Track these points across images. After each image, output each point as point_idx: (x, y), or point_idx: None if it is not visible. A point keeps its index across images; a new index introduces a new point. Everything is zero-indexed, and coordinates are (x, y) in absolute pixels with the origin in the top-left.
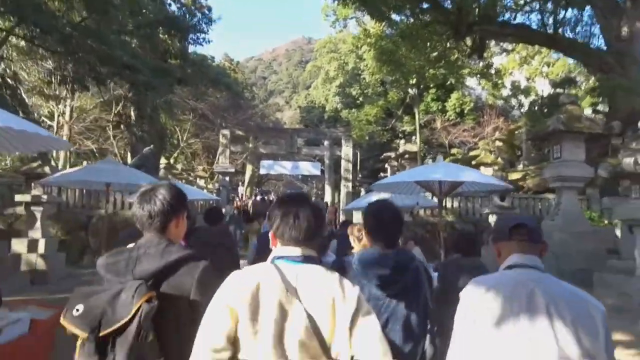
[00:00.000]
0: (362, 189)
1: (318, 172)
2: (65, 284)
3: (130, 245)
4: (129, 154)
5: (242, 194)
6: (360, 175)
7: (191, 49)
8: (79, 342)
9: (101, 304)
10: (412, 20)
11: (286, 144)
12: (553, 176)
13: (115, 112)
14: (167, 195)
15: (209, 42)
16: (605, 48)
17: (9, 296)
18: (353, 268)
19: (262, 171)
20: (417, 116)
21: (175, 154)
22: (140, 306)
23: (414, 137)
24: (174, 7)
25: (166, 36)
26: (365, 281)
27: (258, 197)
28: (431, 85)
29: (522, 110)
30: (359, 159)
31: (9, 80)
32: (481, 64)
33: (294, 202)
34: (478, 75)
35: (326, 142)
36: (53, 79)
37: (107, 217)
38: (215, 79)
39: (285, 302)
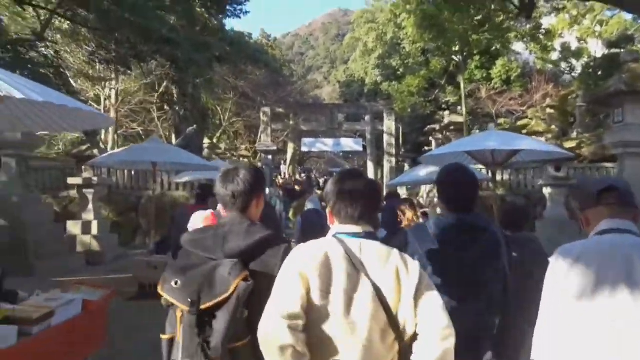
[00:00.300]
0: (406, 164)
1: (360, 148)
2: (119, 264)
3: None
4: (173, 135)
5: (284, 173)
6: (403, 150)
7: (229, 26)
8: (178, 314)
9: (199, 278)
10: None
11: (327, 120)
12: (614, 142)
13: (159, 93)
14: (248, 176)
15: (246, 13)
16: None
17: (66, 276)
18: (427, 232)
19: (304, 149)
20: (462, 85)
21: (218, 134)
22: (237, 284)
23: (459, 108)
24: None
25: (203, 10)
26: (442, 247)
27: (303, 175)
28: (475, 52)
29: (573, 74)
30: (401, 133)
31: (54, 60)
32: (529, 26)
33: (349, 179)
34: (525, 39)
35: (367, 117)
36: (97, 61)
37: (155, 198)
38: (254, 56)
39: (352, 273)
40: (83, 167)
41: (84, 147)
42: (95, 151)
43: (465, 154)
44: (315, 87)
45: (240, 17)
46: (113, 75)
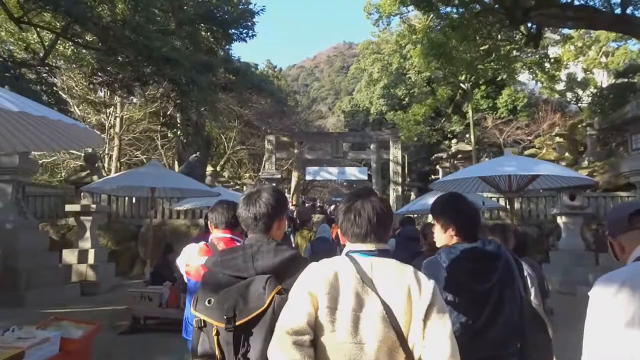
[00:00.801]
0: (412, 193)
1: (365, 177)
2: (114, 295)
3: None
4: (175, 163)
5: (289, 202)
6: (408, 179)
7: (235, 54)
8: (214, 332)
9: (233, 295)
10: (462, 10)
11: (331, 149)
12: (632, 170)
13: (163, 121)
14: (271, 198)
15: (253, 36)
16: None
17: (58, 307)
18: (441, 265)
19: (308, 177)
20: (470, 112)
21: (222, 162)
22: (273, 297)
23: (467, 136)
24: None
25: (209, 34)
26: (457, 278)
27: (307, 204)
28: (481, 82)
29: (579, 104)
30: (406, 162)
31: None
32: (536, 56)
33: (356, 197)
34: (531, 69)
35: (372, 146)
36: (97, 84)
37: (154, 226)
38: (259, 85)
39: (361, 291)
40: (82, 194)
41: (83, 174)
42: (95, 177)
43: (479, 180)
44: (319, 118)
45: (246, 41)
46: (117, 99)
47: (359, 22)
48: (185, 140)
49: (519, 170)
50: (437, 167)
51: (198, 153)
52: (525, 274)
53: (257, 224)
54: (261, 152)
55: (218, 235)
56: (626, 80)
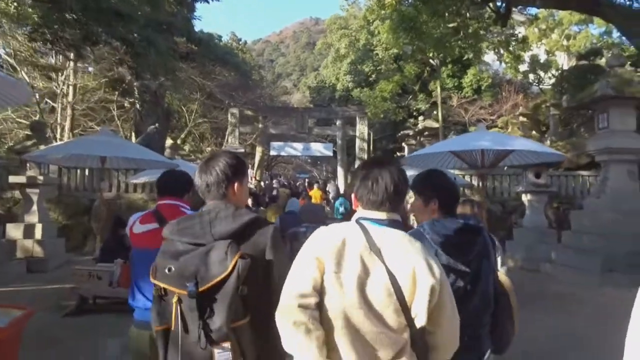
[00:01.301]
0: None
1: (330, 153)
2: (64, 272)
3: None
4: (133, 134)
5: (251, 177)
6: (373, 157)
7: (198, 26)
8: (175, 300)
9: (193, 262)
10: None
11: (296, 124)
12: (599, 148)
13: (119, 90)
14: (226, 163)
15: None
16: None
17: (1, 286)
18: (425, 237)
19: (272, 152)
20: (438, 89)
21: (183, 135)
22: (236, 262)
23: (434, 112)
24: None
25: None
26: (441, 250)
27: (274, 182)
28: (448, 61)
29: (541, 86)
30: (371, 140)
31: None
32: (502, 36)
33: (375, 165)
34: (496, 50)
35: (338, 122)
36: (42, 45)
37: (108, 200)
38: (223, 57)
39: (368, 259)
40: (27, 164)
41: (29, 143)
42: (43, 147)
43: (450, 155)
44: (284, 94)
45: (208, 2)
46: (69, 66)
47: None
48: (143, 111)
49: (495, 145)
50: (403, 144)
51: (157, 124)
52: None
53: (213, 190)
54: (224, 126)
55: (163, 202)
56: (587, 62)
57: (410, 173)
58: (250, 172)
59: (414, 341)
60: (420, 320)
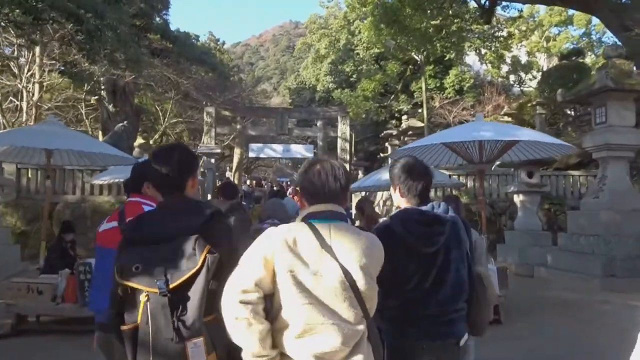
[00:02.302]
0: (360, 172)
1: (311, 155)
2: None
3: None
4: (100, 133)
5: (230, 180)
6: (355, 158)
7: (173, 26)
8: (143, 298)
9: (160, 259)
10: None
11: (276, 125)
12: (597, 145)
13: (87, 88)
14: (182, 156)
15: None
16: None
17: None
18: (392, 230)
19: (251, 154)
20: (423, 86)
21: (157, 136)
22: (205, 257)
23: (420, 110)
24: None
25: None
26: (411, 240)
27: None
28: (430, 60)
29: (522, 87)
30: (353, 141)
31: None
32: (483, 37)
33: (315, 162)
34: (477, 50)
35: (319, 123)
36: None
37: (71, 204)
38: (200, 57)
39: (320, 256)
40: None
41: None
42: None
43: (445, 150)
44: (264, 97)
45: None
46: (36, 62)
47: (306, 2)
48: (111, 108)
49: (498, 135)
50: (386, 144)
51: (125, 122)
52: (473, 239)
53: (171, 183)
54: (201, 127)
55: (128, 200)
56: (569, 62)
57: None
58: (228, 174)
59: (369, 331)
60: (373, 309)
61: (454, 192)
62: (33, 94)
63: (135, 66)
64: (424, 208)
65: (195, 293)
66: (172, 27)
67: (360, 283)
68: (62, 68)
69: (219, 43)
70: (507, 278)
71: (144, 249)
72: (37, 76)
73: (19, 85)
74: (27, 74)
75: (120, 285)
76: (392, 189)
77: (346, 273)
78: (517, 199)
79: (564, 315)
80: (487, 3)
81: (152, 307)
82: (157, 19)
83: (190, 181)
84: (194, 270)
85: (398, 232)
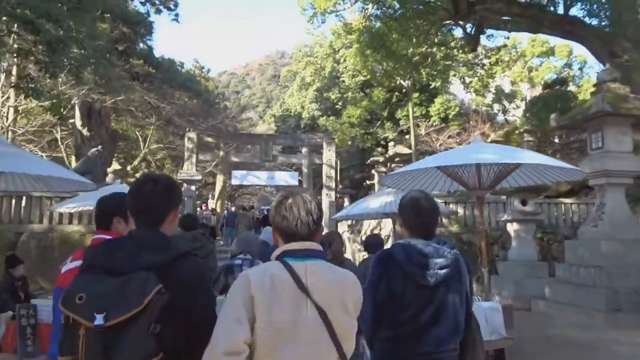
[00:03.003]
0: (346, 199)
1: (296, 182)
2: None
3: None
4: (73, 158)
5: (211, 208)
6: (340, 186)
7: (158, 53)
8: (82, 332)
9: (107, 292)
10: None
11: (260, 152)
12: (595, 171)
13: (63, 113)
14: (165, 187)
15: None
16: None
17: None
18: (393, 258)
19: (234, 182)
20: (410, 111)
21: (136, 162)
22: (152, 297)
23: (407, 137)
24: (137, 2)
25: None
26: (410, 271)
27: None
28: (417, 87)
29: (506, 115)
30: (339, 169)
31: None
32: (468, 66)
33: (289, 195)
34: (462, 79)
35: (304, 150)
36: None
37: (38, 233)
38: (184, 84)
39: (298, 298)
40: None
41: None
42: None
43: (438, 175)
44: (249, 125)
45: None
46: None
47: (292, 33)
48: (85, 132)
49: (503, 158)
50: (373, 171)
51: (100, 147)
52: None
53: (147, 215)
54: (183, 154)
55: (96, 237)
56: (553, 90)
57: (391, 199)
58: (211, 202)
59: None
60: (350, 350)
61: (444, 221)
62: (7, 118)
63: (105, 85)
64: (428, 241)
65: (133, 334)
66: (157, 54)
67: (337, 323)
68: (17, 82)
69: (204, 70)
70: (512, 317)
71: (95, 278)
72: (11, 100)
73: None
74: (1, 98)
75: (62, 313)
76: (398, 222)
77: (323, 314)
78: (511, 227)
79: (574, 357)
80: (473, 30)
81: (87, 342)
82: (141, 44)
83: (170, 216)
84: (135, 311)
85: (399, 259)
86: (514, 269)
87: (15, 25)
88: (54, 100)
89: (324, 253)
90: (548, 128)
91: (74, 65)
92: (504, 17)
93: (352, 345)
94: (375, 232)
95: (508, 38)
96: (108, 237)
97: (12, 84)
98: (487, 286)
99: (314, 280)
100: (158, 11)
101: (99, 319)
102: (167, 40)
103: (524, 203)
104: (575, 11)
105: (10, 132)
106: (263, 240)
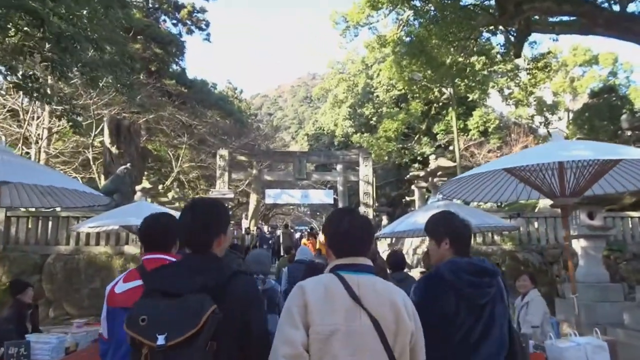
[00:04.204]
0: (384, 217)
1: (331, 201)
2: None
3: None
4: (102, 177)
5: (245, 228)
6: (377, 204)
7: (191, 74)
8: (145, 351)
9: (167, 314)
10: (447, 1)
11: (294, 170)
12: None
13: (95, 132)
14: (212, 211)
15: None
16: None
17: None
18: (442, 278)
19: (268, 200)
20: (454, 119)
21: (169, 182)
22: (208, 317)
23: (451, 147)
24: (168, 23)
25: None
26: (463, 292)
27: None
28: (451, 103)
29: (548, 128)
30: (374, 185)
31: None
32: (509, 75)
33: (341, 214)
34: (501, 90)
35: (339, 167)
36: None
37: (64, 255)
38: (217, 104)
39: (351, 307)
40: None
41: None
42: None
43: (512, 180)
44: (282, 146)
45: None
46: (46, 108)
47: (323, 53)
48: (114, 150)
49: (601, 154)
50: (413, 187)
51: (129, 164)
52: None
53: (197, 239)
54: (216, 172)
55: (148, 257)
56: (600, 100)
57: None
58: (244, 222)
59: None
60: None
61: (495, 237)
62: (41, 140)
63: (127, 93)
64: (472, 260)
65: (192, 353)
66: (190, 76)
67: (389, 333)
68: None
69: (236, 91)
70: (617, 356)
71: (155, 301)
72: (45, 121)
73: (28, 130)
74: (36, 120)
75: (127, 334)
76: (432, 242)
77: (376, 324)
78: (577, 244)
79: None
80: (516, 35)
81: None
82: (174, 65)
83: (218, 239)
84: (194, 330)
85: (449, 279)
86: (583, 291)
87: (17, 16)
88: (36, 90)
89: (373, 268)
90: (601, 136)
91: (88, 68)
92: (551, 20)
93: (405, 357)
94: (418, 251)
95: (557, 40)
96: (165, 256)
97: (12, 84)
98: (577, 317)
99: (366, 292)
100: (190, 31)
101: (161, 339)
102: (199, 62)
103: (591, 216)
104: (634, 7)
105: (43, 154)
106: (298, 259)
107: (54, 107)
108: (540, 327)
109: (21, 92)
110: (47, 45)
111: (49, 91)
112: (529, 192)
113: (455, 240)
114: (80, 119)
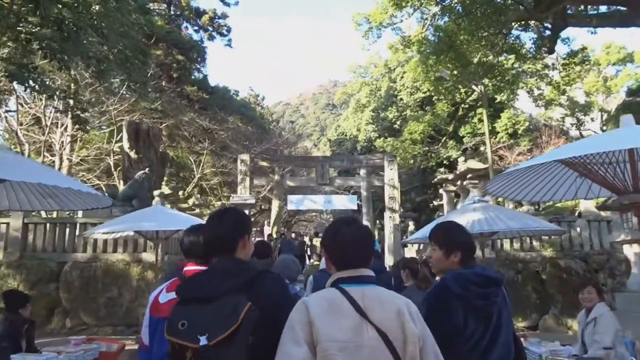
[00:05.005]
0: (410, 223)
1: (354, 207)
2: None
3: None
4: (121, 182)
5: (267, 235)
6: (402, 209)
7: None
8: (189, 354)
9: (205, 317)
10: None
11: (317, 175)
12: None
13: (118, 138)
14: (232, 218)
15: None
16: None
17: None
18: (449, 289)
19: (290, 206)
20: (484, 116)
21: (190, 188)
22: (245, 314)
23: (481, 148)
24: (190, 30)
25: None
26: (471, 303)
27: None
28: (478, 104)
29: (581, 129)
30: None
31: None
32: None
33: (340, 224)
34: (530, 91)
35: (362, 171)
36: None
37: (81, 263)
38: (239, 110)
39: (356, 321)
40: None
41: None
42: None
43: (570, 175)
44: (305, 152)
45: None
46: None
47: (344, 61)
48: (133, 155)
49: None
50: (441, 191)
51: (147, 169)
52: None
53: (223, 244)
54: (237, 178)
55: (191, 268)
56: (638, 98)
57: (478, 216)
58: (267, 229)
59: None
60: None
61: (534, 243)
62: (64, 148)
63: (140, 90)
64: (478, 270)
65: (234, 349)
66: (212, 82)
67: (398, 343)
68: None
69: (258, 98)
70: None
71: (191, 307)
72: (69, 129)
73: (51, 139)
74: (60, 127)
75: (169, 342)
76: (439, 252)
77: (383, 335)
78: (630, 250)
79: None
80: (550, 30)
81: None
82: (195, 72)
83: (242, 242)
84: (233, 328)
85: (456, 291)
86: (637, 303)
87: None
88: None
89: (375, 278)
90: None
91: (95, 60)
92: (588, 13)
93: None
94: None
95: (595, 33)
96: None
97: (5, 73)
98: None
99: (372, 304)
100: (211, 37)
101: (203, 340)
102: (222, 69)
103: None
104: None
105: (66, 161)
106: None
107: (57, 101)
108: (613, 349)
109: (43, 98)
110: (45, 31)
111: (51, 84)
112: (588, 187)
113: (466, 254)
114: (86, 115)
